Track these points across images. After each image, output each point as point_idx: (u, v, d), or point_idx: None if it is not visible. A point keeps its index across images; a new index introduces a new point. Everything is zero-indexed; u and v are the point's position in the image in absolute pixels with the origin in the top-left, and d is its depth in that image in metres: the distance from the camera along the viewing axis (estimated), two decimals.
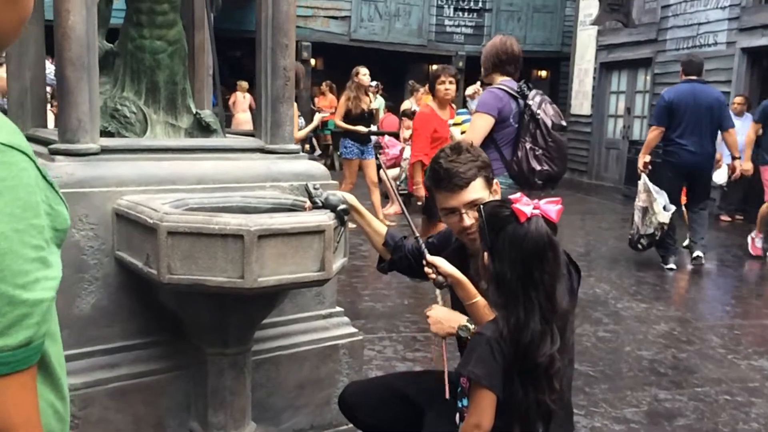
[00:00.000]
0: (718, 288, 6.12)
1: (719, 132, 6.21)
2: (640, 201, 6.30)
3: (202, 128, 2.96)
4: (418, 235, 2.14)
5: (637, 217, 6.25)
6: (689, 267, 6.58)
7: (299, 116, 7.21)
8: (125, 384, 2.44)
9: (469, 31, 16.31)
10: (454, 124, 6.35)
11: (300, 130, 7.16)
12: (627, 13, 10.99)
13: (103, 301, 2.44)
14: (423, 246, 2.05)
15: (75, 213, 2.35)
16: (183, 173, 2.61)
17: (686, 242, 6.95)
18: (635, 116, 12.72)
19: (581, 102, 14.06)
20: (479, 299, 1.88)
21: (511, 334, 1.65)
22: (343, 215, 2.31)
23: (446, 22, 16.20)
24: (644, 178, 6.29)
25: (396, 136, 11.40)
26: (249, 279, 2.07)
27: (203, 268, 2.10)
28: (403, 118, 10.41)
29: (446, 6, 16.12)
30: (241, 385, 2.45)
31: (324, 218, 2.22)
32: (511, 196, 1.76)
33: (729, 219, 9.60)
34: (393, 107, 13.84)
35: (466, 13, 16.21)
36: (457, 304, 2.12)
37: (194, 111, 2.98)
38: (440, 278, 1.95)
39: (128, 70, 2.89)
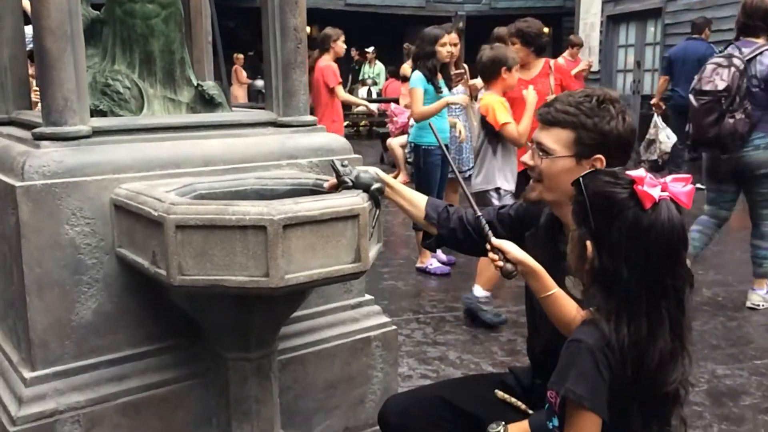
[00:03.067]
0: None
1: None
2: (648, 135, 7.51)
3: (205, 102, 2.62)
4: (478, 211, 1.79)
5: (642, 146, 7.51)
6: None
7: None
8: (137, 398, 2.15)
9: None
10: None
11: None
12: None
13: (105, 305, 2.13)
14: (485, 226, 1.70)
15: (67, 206, 2.04)
16: (188, 154, 2.29)
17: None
18: (645, 70, 12.28)
19: (586, 57, 13.59)
20: (556, 290, 1.55)
21: (624, 347, 1.32)
22: (377, 195, 1.99)
23: None
24: (655, 116, 7.56)
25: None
26: (275, 277, 1.76)
27: (220, 266, 1.79)
28: (403, 82, 10.01)
29: None
30: (267, 392, 2.16)
31: (357, 200, 1.90)
32: (630, 172, 1.37)
33: None
34: (395, 72, 13.36)
35: None
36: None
37: (195, 83, 2.63)
38: (508, 266, 1.61)
39: (118, 40, 2.53)
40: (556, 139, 1.70)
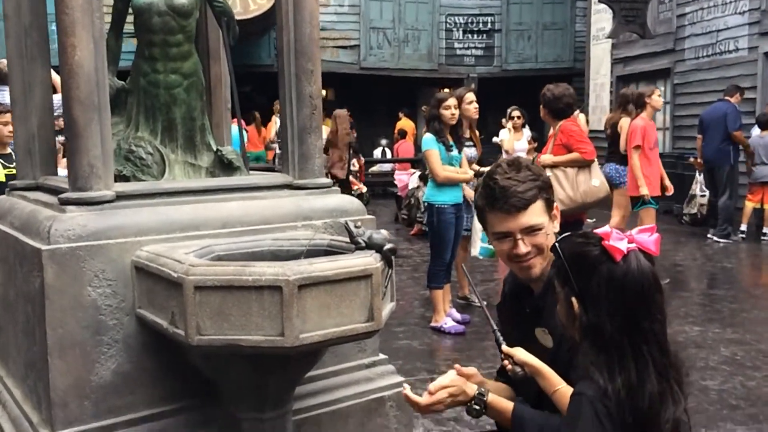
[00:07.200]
0: None
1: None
2: (691, 191, 8.82)
3: (224, 166, 2.72)
4: (495, 327, 1.84)
5: (684, 202, 8.91)
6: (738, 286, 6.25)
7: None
8: None
9: (479, 52, 16.12)
10: None
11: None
12: (642, 24, 10.71)
13: (124, 365, 2.17)
14: (499, 335, 1.77)
15: (90, 268, 2.11)
16: (207, 217, 2.37)
17: None
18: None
19: (599, 117, 13.74)
20: (563, 386, 1.61)
21: (620, 394, 1.37)
22: (390, 255, 2.05)
23: (456, 45, 16.04)
24: (696, 173, 8.68)
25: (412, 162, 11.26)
26: (290, 336, 1.81)
27: (236, 326, 1.84)
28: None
29: (455, 29, 15.98)
30: None
31: (370, 260, 1.96)
32: (597, 230, 1.48)
33: None
34: (404, 132, 13.65)
35: (475, 35, 16.05)
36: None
37: (215, 148, 2.74)
38: (517, 368, 1.68)
39: (142, 108, 2.66)
40: (538, 214, 1.78)
